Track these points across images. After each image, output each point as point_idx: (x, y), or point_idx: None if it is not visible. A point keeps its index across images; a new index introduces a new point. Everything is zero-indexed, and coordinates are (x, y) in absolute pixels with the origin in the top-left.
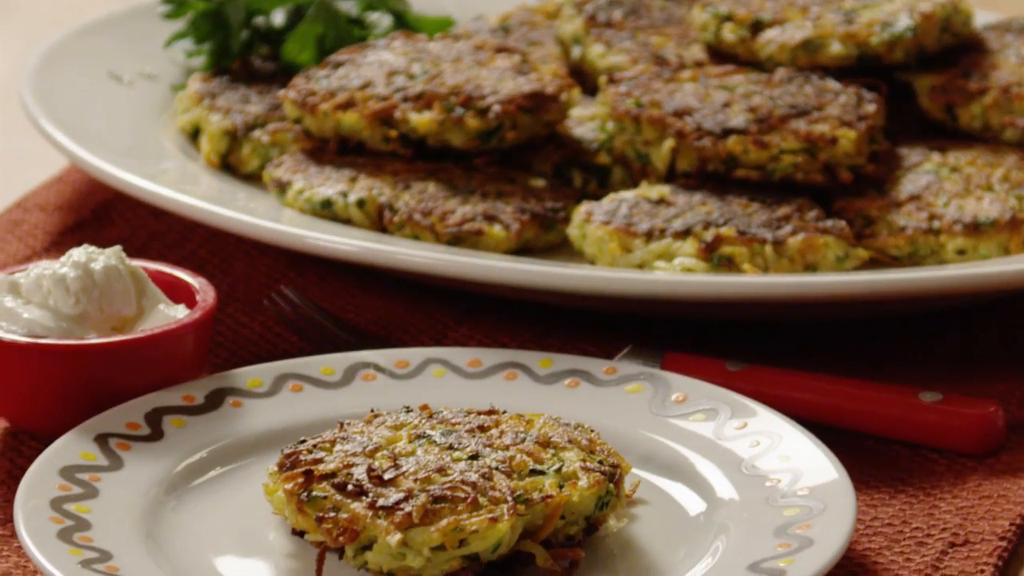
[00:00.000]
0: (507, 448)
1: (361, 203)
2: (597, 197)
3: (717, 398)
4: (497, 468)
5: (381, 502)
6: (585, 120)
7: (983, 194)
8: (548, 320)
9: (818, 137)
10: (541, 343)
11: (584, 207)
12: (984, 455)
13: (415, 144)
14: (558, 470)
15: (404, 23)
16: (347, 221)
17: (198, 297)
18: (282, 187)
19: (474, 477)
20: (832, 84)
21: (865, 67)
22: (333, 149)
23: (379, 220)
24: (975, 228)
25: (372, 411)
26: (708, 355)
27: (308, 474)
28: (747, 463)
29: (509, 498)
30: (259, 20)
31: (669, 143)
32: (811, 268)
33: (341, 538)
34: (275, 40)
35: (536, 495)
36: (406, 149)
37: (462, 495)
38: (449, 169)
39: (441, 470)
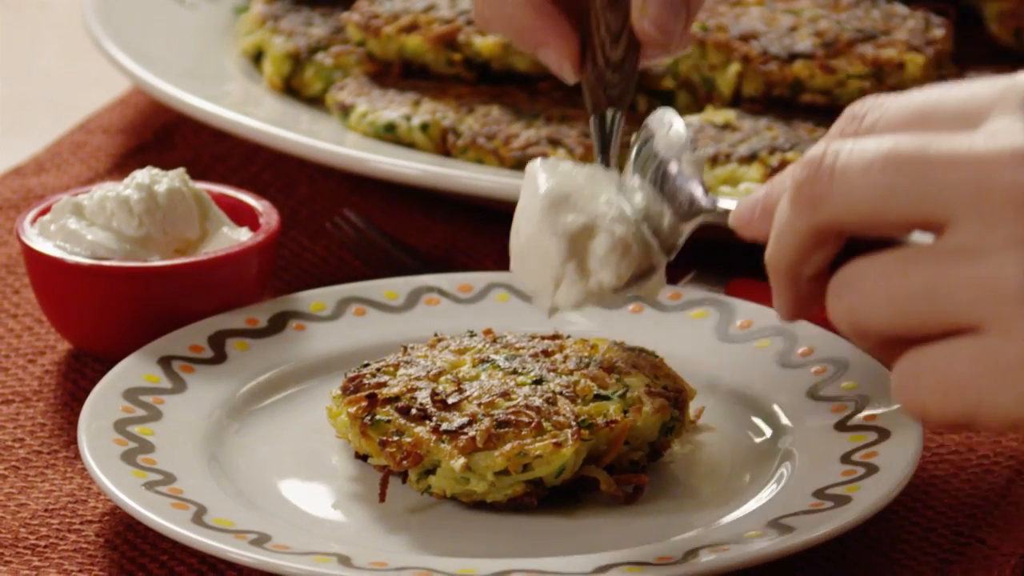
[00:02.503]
0: (571, 373)
1: (425, 127)
2: None
3: (782, 324)
4: (561, 393)
5: (445, 426)
6: None
7: None
8: None
9: (885, 62)
10: None
11: None
12: None
13: (479, 68)
14: (622, 395)
15: None
16: (410, 144)
17: (261, 220)
18: (345, 110)
19: (538, 402)
20: (899, 8)
21: None
22: (397, 72)
23: (443, 144)
24: None
25: (436, 335)
26: None
27: (372, 398)
28: (812, 389)
29: (573, 423)
30: None
31: (735, 67)
32: None
33: (404, 462)
34: None
35: (600, 420)
36: (470, 73)
37: (526, 420)
38: (513, 93)
39: (505, 395)
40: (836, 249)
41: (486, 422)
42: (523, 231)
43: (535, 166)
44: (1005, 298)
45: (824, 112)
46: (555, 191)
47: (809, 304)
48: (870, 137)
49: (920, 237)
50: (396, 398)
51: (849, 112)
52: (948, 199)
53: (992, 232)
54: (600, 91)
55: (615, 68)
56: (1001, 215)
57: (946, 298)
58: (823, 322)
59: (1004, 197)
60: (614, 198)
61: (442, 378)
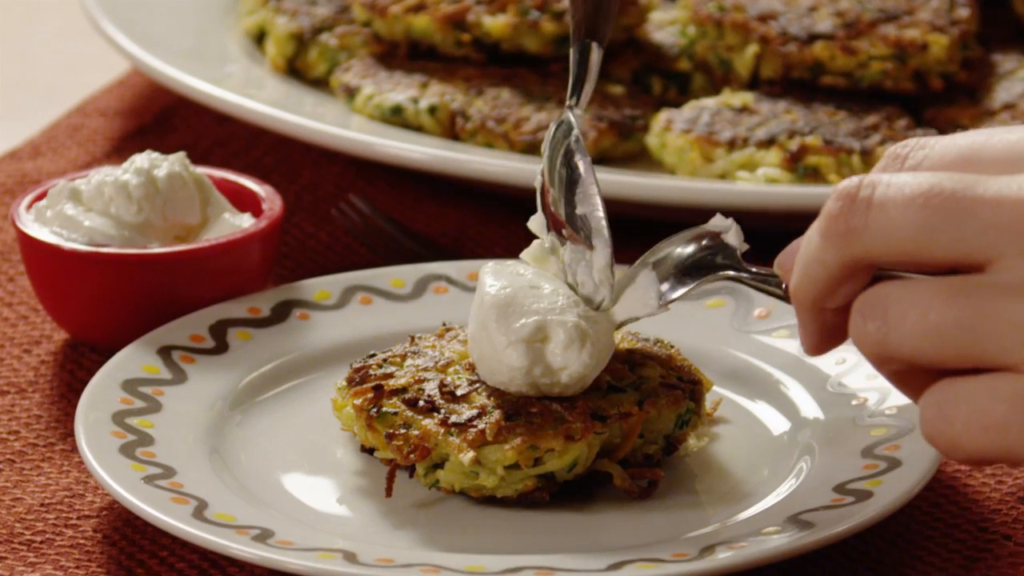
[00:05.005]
0: None
1: (433, 109)
2: (677, 104)
3: None
4: None
5: (453, 419)
6: (665, 24)
7: None
8: (624, 232)
9: (908, 43)
10: (617, 256)
11: (664, 115)
12: None
13: (488, 49)
14: (637, 387)
15: None
16: (418, 128)
17: (264, 206)
18: (351, 92)
19: None
20: None
21: None
22: (404, 53)
23: (451, 127)
24: None
25: (444, 325)
26: None
27: (378, 389)
28: (833, 381)
29: (586, 416)
30: None
31: (753, 49)
32: None
33: (412, 456)
34: None
35: (614, 412)
36: (479, 54)
37: (537, 412)
38: (524, 75)
39: None
40: (864, 283)
41: (496, 414)
42: (480, 341)
43: (485, 270)
44: None
45: (845, 95)
46: (500, 297)
47: (835, 337)
48: (907, 173)
49: None
50: (403, 389)
51: (892, 152)
52: (994, 239)
53: None
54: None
55: None
56: None
57: (988, 335)
58: None
59: None
60: (560, 287)
61: (451, 369)
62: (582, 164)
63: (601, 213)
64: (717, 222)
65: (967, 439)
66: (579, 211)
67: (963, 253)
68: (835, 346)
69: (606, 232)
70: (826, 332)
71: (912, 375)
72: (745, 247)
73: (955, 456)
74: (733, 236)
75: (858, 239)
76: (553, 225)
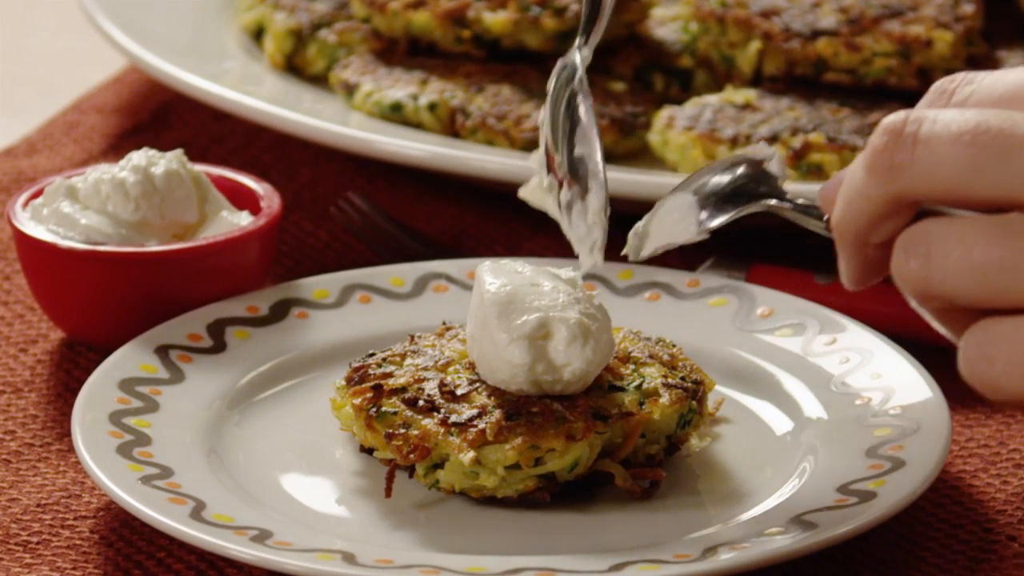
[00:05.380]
0: None
1: (432, 106)
2: (679, 102)
3: (805, 312)
4: None
5: (453, 418)
6: (667, 21)
7: None
8: (627, 230)
9: (913, 39)
10: (615, 255)
11: (666, 112)
12: None
13: (489, 45)
14: (638, 386)
15: None
16: (418, 125)
17: (262, 204)
18: (350, 89)
19: None
20: None
21: None
22: (403, 50)
23: (451, 124)
24: None
25: (444, 324)
26: (796, 267)
27: (377, 389)
28: (836, 380)
29: (587, 415)
30: None
31: (755, 45)
32: None
33: (411, 456)
34: None
35: (615, 412)
36: (480, 50)
37: (538, 411)
38: (524, 72)
39: None
40: (908, 219)
41: (496, 414)
42: (480, 340)
43: (483, 269)
44: None
45: (848, 92)
46: (501, 295)
47: (876, 271)
48: (953, 109)
49: None
50: (403, 389)
51: (938, 87)
52: None
53: None
54: None
55: None
56: None
57: None
58: (850, 310)
59: None
60: (560, 285)
61: (451, 368)
62: (583, 107)
63: (599, 156)
64: (759, 149)
65: (1007, 380)
66: (577, 153)
67: (1009, 192)
68: (875, 280)
69: (602, 175)
70: (867, 266)
71: (954, 313)
72: (788, 176)
73: (995, 396)
74: (775, 164)
75: (903, 175)
76: (552, 168)
